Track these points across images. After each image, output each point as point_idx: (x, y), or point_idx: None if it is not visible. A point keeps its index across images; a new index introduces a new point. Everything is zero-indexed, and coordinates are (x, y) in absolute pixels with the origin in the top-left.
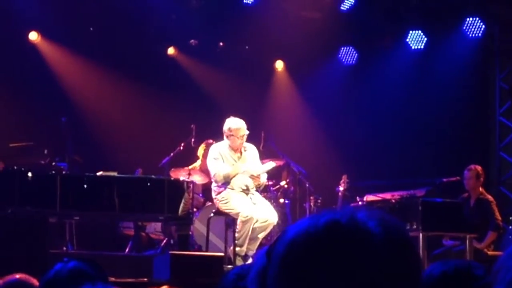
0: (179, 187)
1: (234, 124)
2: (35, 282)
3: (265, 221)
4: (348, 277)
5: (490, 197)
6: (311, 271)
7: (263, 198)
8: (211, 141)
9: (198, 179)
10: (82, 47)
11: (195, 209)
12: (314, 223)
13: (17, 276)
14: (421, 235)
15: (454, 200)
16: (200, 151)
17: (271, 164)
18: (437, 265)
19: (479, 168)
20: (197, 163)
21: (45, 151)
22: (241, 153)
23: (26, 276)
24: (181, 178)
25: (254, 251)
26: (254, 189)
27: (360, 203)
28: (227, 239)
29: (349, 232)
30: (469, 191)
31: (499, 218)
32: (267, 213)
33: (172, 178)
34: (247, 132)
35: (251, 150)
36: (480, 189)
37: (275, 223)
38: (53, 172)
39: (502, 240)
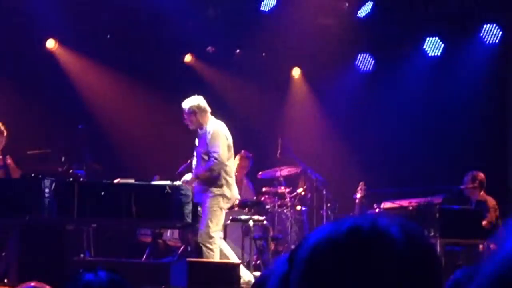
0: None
1: None
2: None
3: None
4: (370, 282)
5: (491, 199)
6: (334, 276)
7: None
8: (249, 154)
9: None
10: (99, 55)
11: None
12: (337, 229)
13: (32, 284)
14: (438, 242)
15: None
16: (235, 161)
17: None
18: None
19: (475, 173)
20: None
21: (63, 158)
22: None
23: (41, 284)
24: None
25: None
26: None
27: (377, 210)
28: (243, 246)
29: (371, 238)
30: (468, 197)
31: (492, 220)
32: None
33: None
34: (184, 107)
35: (207, 133)
36: (481, 193)
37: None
38: (71, 179)
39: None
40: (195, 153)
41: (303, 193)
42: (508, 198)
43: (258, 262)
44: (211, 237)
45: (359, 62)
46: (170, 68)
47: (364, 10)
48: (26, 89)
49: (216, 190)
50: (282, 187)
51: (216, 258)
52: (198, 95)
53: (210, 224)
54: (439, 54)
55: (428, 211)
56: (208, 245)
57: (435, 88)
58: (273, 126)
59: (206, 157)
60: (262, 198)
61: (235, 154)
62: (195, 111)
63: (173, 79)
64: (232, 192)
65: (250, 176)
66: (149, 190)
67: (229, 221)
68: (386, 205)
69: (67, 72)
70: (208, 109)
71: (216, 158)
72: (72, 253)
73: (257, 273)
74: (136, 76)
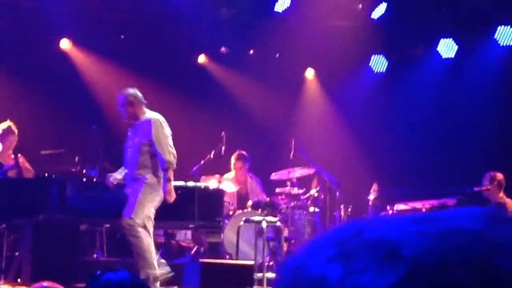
0: (209, 195)
1: None
2: None
3: None
4: None
5: (510, 202)
6: None
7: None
8: (244, 152)
9: (228, 187)
10: (113, 55)
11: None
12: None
13: (45, 284)
14: None
15: None
16: (232, 161)
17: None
18: None
19: (493, 173)
20: (231, 174)
21: (76, 159)
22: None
23: (54, 284)
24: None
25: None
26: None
27: (390, 211)
28: (257, 247)
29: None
30: (488, 199)
31: None
32: None
33: (203, 186)
34: (120, 97)
35: (147, 122)
36: (500, 194)
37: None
38: (84, 179)
39: None
40: (128, 146)
41: (316, 194)
42: None
43: (271, 263)
44: (131, 225)
45: (373, 64)
46: (184, 69)
47: (378, 12)
48: (40, 89)
49: (151, 179)
50: (295, 188)
51: (146, 244)
52: (211, 95)
53: (137, 211)
54: (453, 56)
55: None
56: (134, 233)
57: (448, 89)
58: (286, 127)
59: (146, 148)
60: (275, 199)
61: (232, 150)
62: (132, 102)
63: (186, 80)
64: (162, 189)
65: (261, 176)
66: None
67: (242, 222)
68: (400, 206)
69: (80, 72)
70: (144, 101)
71: (171, 150)
72: (84, 253)
73: (270, 274)
74: (149, 76)
